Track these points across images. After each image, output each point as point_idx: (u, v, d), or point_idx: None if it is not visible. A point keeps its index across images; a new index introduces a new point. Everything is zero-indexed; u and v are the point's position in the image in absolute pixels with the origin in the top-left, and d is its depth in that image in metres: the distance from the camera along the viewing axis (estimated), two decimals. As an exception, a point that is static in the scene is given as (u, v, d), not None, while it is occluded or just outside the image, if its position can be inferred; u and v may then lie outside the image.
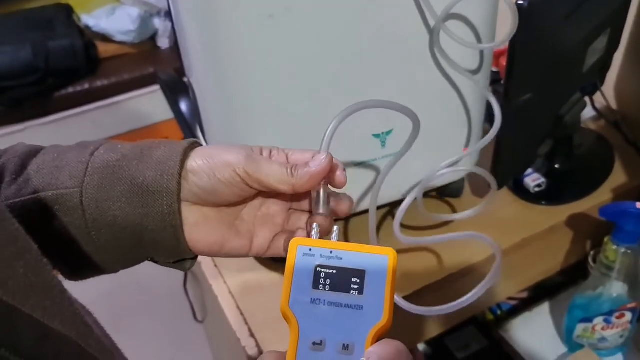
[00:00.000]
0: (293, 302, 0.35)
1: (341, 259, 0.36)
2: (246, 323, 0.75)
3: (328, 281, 0.35)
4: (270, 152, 0.42)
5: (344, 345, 0.34)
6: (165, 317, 1.76)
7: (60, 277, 0.41)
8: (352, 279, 0.35)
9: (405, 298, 0.77)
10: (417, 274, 0.79)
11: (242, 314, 0.76)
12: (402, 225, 0.84)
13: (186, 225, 0.41)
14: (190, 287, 1.16)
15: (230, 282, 0.80)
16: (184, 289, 1.17)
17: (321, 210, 0.40)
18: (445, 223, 0.85)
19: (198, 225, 0.41)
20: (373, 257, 0.36)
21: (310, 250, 0.36)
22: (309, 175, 0.39)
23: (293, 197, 0.43)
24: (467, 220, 0.86)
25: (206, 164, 0.39)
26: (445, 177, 0.82)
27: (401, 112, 0.42)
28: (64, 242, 0.40)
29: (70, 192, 0.39)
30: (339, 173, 0.40)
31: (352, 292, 0.35)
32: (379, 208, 0.82)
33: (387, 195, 0.72)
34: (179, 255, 0.42)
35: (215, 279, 0.82)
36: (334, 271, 0.36)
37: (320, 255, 0.36)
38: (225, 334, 0.81)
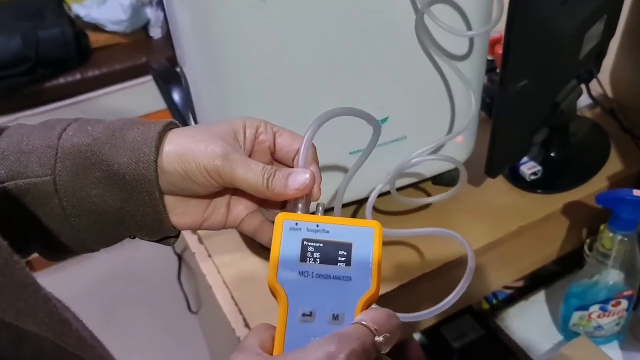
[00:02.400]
0: (281, 276, 0.35)
1: (328, 232, 0.36)
2: (241, 313, 0.74)
3: (316, 254, 0.36)
4: (257, 129, 0.40)
5: (334, 315, 0.34)
6: (159, 309, 1.75)
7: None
8: (340, 252, 0.36)
9: (401, 287, 0.77)
10: (413, 263, 0.79)
11: (236, 304, 0.75)
12: (390, 213, 0.84)
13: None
14: (185, 278, 1.15)
15: (224, 273, 0.80)
16: (178, 280, 1.16)
17: (300, 212, 0.39)
18: (437, 209, 0.85)
19: (177, 209, 0.41)
20: (359, 229, 0.37)
21: (296, 224, 0.37)
22: (285, 195, 0.38)
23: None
24: (463, 208, 0.86)
25: (179, 164, 0.37)
26: (433, 166, 0.81)
27: (362, 118, 0.41)
28: (41, 228, 0.39)
29: (43, 180, 0.37)
30: (315, 190, 0.39)
31: (339, 264, 0.36)
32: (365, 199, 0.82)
33: (374, 184, 0.72)
34: (163, 235, 0.42)
35: (209, 269, 0.81)
36: (321, 244, 0.36)
37: (307, 229, 0.36)
38: (220, 325, 0.80)
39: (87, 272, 1.89)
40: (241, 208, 0.43)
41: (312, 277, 0.35)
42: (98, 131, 0.39)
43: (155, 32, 2.03)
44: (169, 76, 0.91)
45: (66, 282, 1.83)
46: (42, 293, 0.30)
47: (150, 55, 1.94)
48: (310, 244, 0.36)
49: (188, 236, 0.88)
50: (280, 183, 0.38)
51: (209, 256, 0.83)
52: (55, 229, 0.39)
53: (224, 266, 0.81)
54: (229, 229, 0.43)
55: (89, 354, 0.32)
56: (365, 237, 0.36)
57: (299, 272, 0.35)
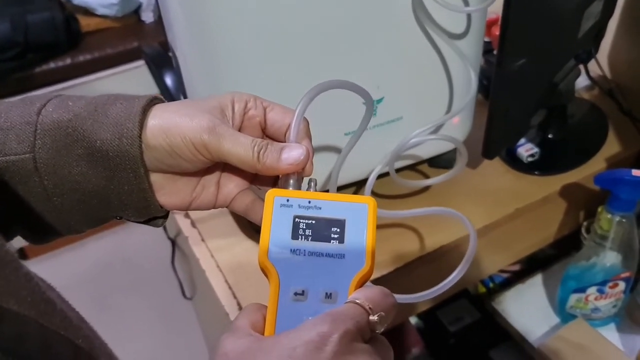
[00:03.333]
0: (272, 254, 0.34)
1: (320, 208, 0.35)
2: (235, 297, 0.73)
3: (307, 231, 0.35)
4: (246, 104, 0.39)
5: (326, 294, 0.34)
6: (153, 295, 1.75)
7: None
8: (332, 228, 0.35)
9: (397, 270, 0.76)
10: (408, 246, 0.78)
11: (230, 288, 0.74)
12: (387, 196, 0.83)
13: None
14: (178, 263, 1.14)
15: (218, 257, 0.79)
16: (171, 265, 1.15)
17: (291, 188, 0.38)
18: (433, 191, 0.84)
19: (164, 189, 0.39)
20: (352, 205, 0.36)
21: (287, 200, 0.36)
22: (277, 170, 0.37)
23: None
24: (460, 191, 0.85)
25: (164, 139, 0.36)
26: (430, 147, 0.80)
27: (353, 91, 0.40)
28: (22, 208, 0.37)
29: (21, 158, 0.36)
30: (308, 166, 0.38)
31: (332, 241, 0.35)
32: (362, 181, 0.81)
33: (370, 165, 0.71)
34: (149, 215, 0.40)
35: (202, 253, 0.80)
36: (313, 221, 0.35)
37: (299, 205, 0.35)
38: (214, 309, 0.80)
39: (81, 259, 1.88)
40: (231, 186, 0.41)
41: (304, 255, 0.34)
42: (79, 106, 0.37)
43: (147, 16, 2.00)
44: (162, 60, 0.89)
45: (59, 269, 1.82)
46: (23, 271, 0.28)
47: (142, 39, 1.91)
48: (301, 220, 0.35)
49: (181, 220, 0.87)
50: (273, 156, 0.36)
51: (202, 240, 0.82)
52: (37, 208, 0.38)
53: (217, 250, 0.80)
54: (219, 208, 0.42)
55: (75, 334, 0.30)
56: (358, 213, 0.35)
57: (291, 250, 0.34)
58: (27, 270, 0.29)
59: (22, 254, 1.84)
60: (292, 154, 0.37)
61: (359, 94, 0.40)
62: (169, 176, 0.39)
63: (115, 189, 0.37)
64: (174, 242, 1.07)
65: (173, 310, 1.65)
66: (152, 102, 0.38)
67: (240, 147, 0.36)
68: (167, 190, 0.39)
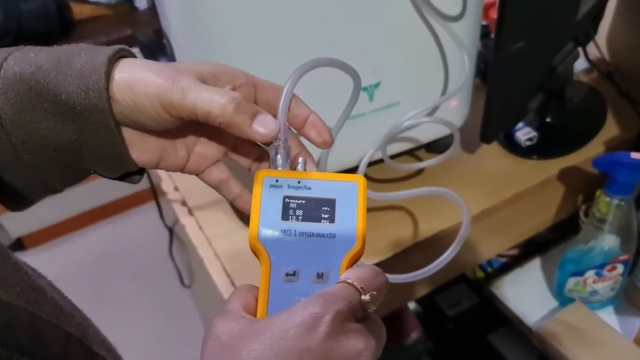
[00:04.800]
0: (262, 235, 0.34)
1: (310, 188, 0.35)
2: (233, 285, 0.73)
3: (298, 212, 0.34)
4: (234, 80, 0.37)
5: (318, 274, 0.34)
6: (151, 284, 1.75)
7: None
8: (323, 208, 0.35)
9: (393, 257, 0.76)
10: (405, 232, 0.78)
11: (228, 275, 0.74)
12: (383, 180, 0.83)
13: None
14: (176, 251, 1.14)
15: (215, 245, 0.78)
16: (169, 254, 1.15)
17: (280, 168, 0.37)
18: (431, 176, 0.84)
19: (134, 144, 0.38)
20: (342, 185, 0.35)
21: (277, 181, 0.35)
22: (247, 132, 0.34)
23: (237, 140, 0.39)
24: (457, 176, 0.85)
25: (128, 94, 0.34)
26: (428, 131, 0.80)
27: (341, 69, 0.39)
28: None
29: None
30: (319, 140, 0.37)
31: (323, 221, 0.34)
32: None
33: (368, 151, 0.71)
34: (124, 169, 0.39)
35: (200, 241, 0.80)
36: (303, 201, 0.35)
37: (288, 185, 0.35)
38: (213, 297, 0.80)
39: (78, 249, 1.88)
40: (206, 154, 0.40)
41: (295, 235, 0.34)
42: (41, 58, 0.35)
43: (141, 3, 1.98)
44: (156, 47, 0.89)
45: (57, 259, 1.82)
46: (11, 260, 0.28)
47: (135, 26, 1.89)
48: (291, 200, 0.35)
49: (178, 208, 0.87)
50: (246, 111, 0.34)
51: (200, 228, 0.82)
52: (9, 168, 0.36)
53: (215, 238, 0.79)
54: (188, 173, 0.41)
55: (66, 322, 0.30)
56: (349, 192, 0.35)
57: (281, 231, 0.34)
58: (15, 259, 0.29)
59: (20, 244, 1.83)
60: (266, 121, 0.35)
61: (347, 73, 0.40)
62: (139, 132, 0.37)
63: (86, 142, 0.36)
64: (171, 231, 1.07)
65: (171, 298, 1.65)
66: (119, 53, 0.36)
67: (206, 95, 0.34)
68: (137, 146, 0.38)
